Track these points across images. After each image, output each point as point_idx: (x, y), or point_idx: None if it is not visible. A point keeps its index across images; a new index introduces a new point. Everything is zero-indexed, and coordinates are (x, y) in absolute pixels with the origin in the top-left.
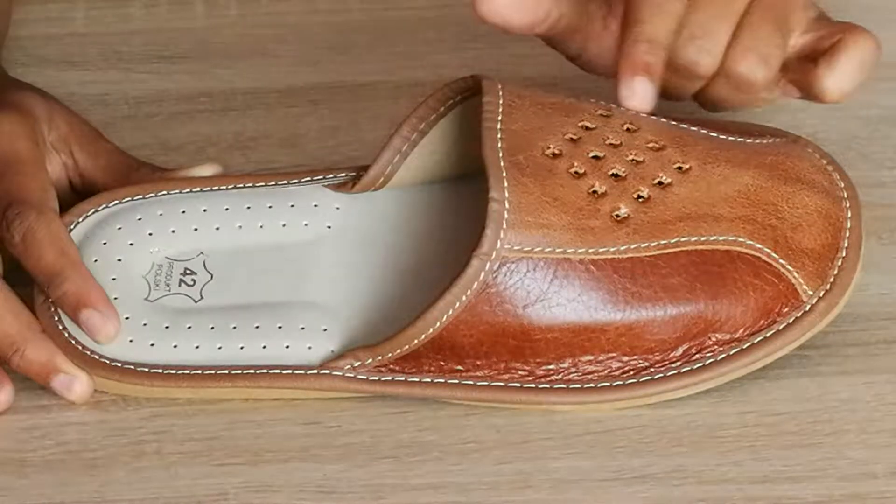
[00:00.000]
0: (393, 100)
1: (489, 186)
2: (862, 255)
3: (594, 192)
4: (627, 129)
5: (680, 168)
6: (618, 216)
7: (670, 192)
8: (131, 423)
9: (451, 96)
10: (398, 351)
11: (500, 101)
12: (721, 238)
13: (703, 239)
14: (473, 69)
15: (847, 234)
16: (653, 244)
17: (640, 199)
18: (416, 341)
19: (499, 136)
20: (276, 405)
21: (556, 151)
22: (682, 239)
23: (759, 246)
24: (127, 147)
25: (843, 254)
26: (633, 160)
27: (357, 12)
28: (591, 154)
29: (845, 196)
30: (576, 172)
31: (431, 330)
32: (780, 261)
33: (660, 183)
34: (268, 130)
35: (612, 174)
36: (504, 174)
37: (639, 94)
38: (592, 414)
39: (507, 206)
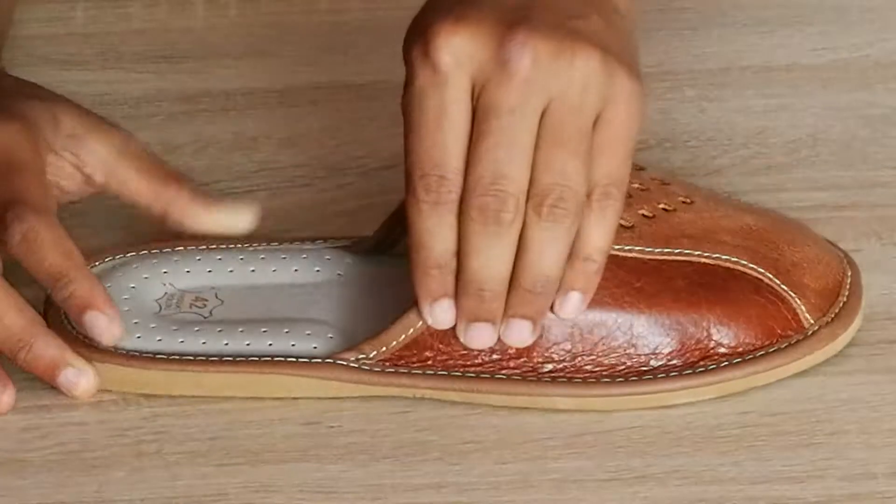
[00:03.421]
0: (393, 100)
1: None
2: (863, 307)
3: None
4: (636, 168)
5: (684, 201)
6: (622, 224)
7: (674, 216)
8: (131, 423)
9: None
10: (402, 337)
11: None
12: (724, 257)
13: (706, 255)
14: None
15: (847, 287)
16: (656, 251)
17: (645, 217)
18: (420, 324)
19: None
20: (276, 405)
21: None
22: (686, 251)
23: (761, 270)
24: None
25: (845, 299)
26: (638, 187)
27: (357, 12)
28: None
29: (845, 260)
30: None
31: None
32: (783, 286)
33: (664, 209)
34: (268, 130)
35: None
36: None
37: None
38: (592, 414)
39: None
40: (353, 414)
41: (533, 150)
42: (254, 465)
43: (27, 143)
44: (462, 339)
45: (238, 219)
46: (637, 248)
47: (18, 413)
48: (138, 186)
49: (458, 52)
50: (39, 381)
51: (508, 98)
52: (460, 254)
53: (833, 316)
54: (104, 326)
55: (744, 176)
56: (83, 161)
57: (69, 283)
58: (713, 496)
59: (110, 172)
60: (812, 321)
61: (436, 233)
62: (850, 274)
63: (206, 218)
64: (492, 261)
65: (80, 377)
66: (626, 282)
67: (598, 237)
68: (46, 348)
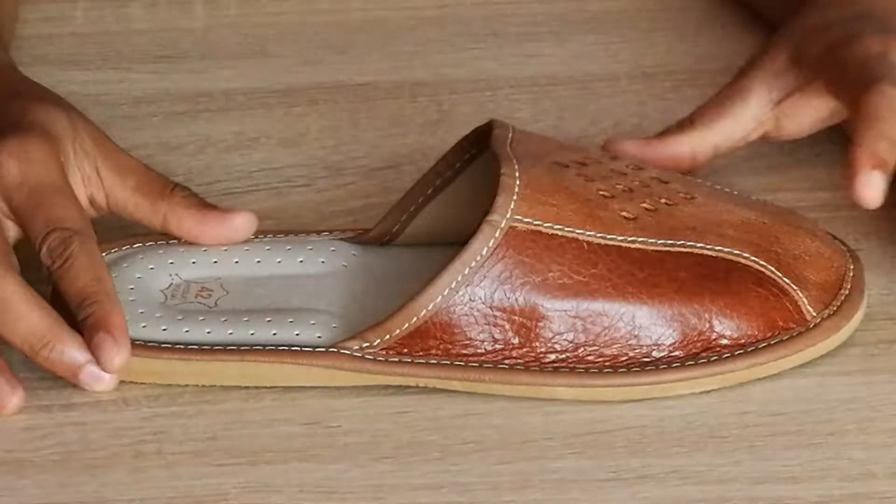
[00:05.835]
0: (393, 100)
1: (500, 168)
2: (865, 300)
3: (603, 195)
4: (635, 167)
5: (685, 197)
6: (625, 216)
7: (676, 209)
8: (131, 423)
9: (468, 148)
10: (406, 325)
11: (510, 134)
12: (726, 249)
13: (708, 247)
14: (473, 69)
15: (849, 281)
16: (660, 242)
17: (648, 210)
18: (423, 312)
19: (508, 142)
20: (276, 405)
21: (566, 164)
22: (689, 243)
23: (763, 263)
24: (127, 147)
25: (847, 292)
26: (640, 183)
27: (357, 12)
28: (601, 174)
29: (848, 254)
30: (585, 177)
31: (440, 299)
32: (784, 279)
33: (666, 203)
34: (268, 130)
35: (621, 188)
36: (515, 163)
37: (874, 186)
38: (592, 414)
39: (517, 181)
40: (353, 414)
41: None
42: (254, 465)
43: (57, 161)
44: (856, 190)
45: (233, 230)
46: (640, 238)
47: (18, 413)
48: (136, 203)
49: None
50: (39, 382)
51: None
52: None
53: (835, 308)
54: (108, 348)
55: (744, 176)
56: (92, 181)
57: (93, 304)
58: (713, 496)
59: (109, 193)
60: (814, 314)
61: None
62: (852, 267)
63: (199, 233)
64: None
65: (102, 372)
66: (629, 272)
67: None
68: (69, 347)
